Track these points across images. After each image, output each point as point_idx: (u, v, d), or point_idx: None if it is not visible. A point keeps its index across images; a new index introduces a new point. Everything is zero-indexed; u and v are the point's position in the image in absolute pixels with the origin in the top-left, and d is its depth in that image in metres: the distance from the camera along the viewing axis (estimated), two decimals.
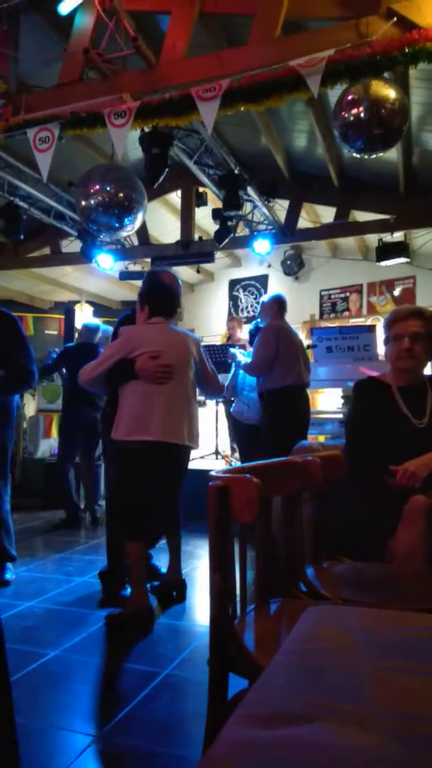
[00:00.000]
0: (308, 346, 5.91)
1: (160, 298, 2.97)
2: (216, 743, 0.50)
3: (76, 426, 5.30)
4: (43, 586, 3.34)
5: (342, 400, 5.72)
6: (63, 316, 7.86)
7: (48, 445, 7.29)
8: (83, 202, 4.08)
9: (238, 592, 1.35)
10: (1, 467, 3.46)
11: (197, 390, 3.06)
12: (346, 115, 2.99)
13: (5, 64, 3.77)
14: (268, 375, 4.16)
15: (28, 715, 1.85)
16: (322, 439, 5.18)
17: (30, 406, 7.51)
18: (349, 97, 3.00)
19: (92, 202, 4.00)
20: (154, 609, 2.85)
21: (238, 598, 1.35)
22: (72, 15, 3.57)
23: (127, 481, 2.85)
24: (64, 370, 5.53)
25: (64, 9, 3.50)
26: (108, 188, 3.97)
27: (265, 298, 4.65)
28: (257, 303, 8.40)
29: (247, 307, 8.47)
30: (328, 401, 6.90)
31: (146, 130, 3.84)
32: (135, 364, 2.76)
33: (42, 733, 1.78)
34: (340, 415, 5.47)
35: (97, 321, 5.83)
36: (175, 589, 3.07)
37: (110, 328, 5.55)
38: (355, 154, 3.18)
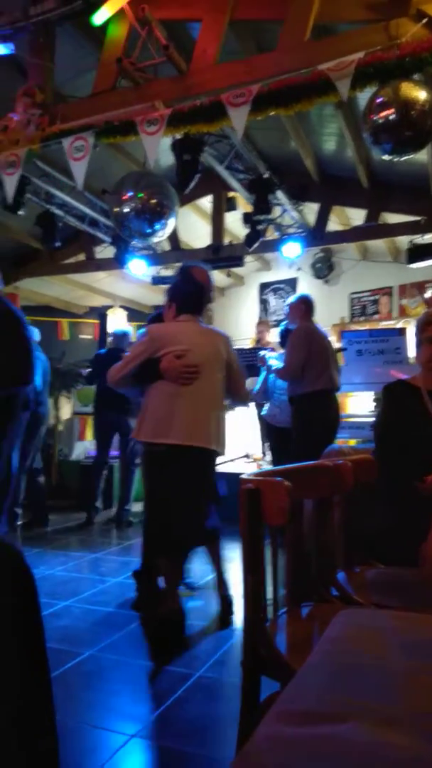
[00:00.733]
0: (338, 350, 5.87)
1: (188, 294, 2.82)
2: (251, 740, 0.51)
3: (103, 429, 5.45)
4: (78, 586, 3.40)
5: (373, 404, 5.66)
6: (97, 321, 7.99)
7: (83, 447, 7.42)
8: (116, 209, 4.15)
9: (269, 595, 1.36)
10: None
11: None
12: (376, 118, 2.97)
13: (41, 75, 3.87)
14: (300, 379, 4.15)
15: (63, 713, 1.89)
16: (352, 442, 5.13)
17: (66, 408, 7.64)
18: (379, 100, 2.98)
19: (125, 208, 4.07)
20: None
21: (270, 601, 1.36)
22: (105, 25, 3.64)
23: (153, 485, 2.75)
24: None
25: (98, 20, 3.57)
26: (140, 195, 4.04)
27: (292, 299, 4.62)
28: (287, 306, 8.40)
29: (276, 311, 8.45)
30: (358, 405, 6.84)
31: (177, 136, 3.89)
32: (160, 363, 2.64)
33: (77, 731, 1.82)
34: (371, 419, 5.42)
35: (126, 327, 5.99)
36: (221, 609, 2.89)
37: (129, 331, 5.71)
38: (385, 157, 3.16)
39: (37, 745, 0.56)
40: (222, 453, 2.76)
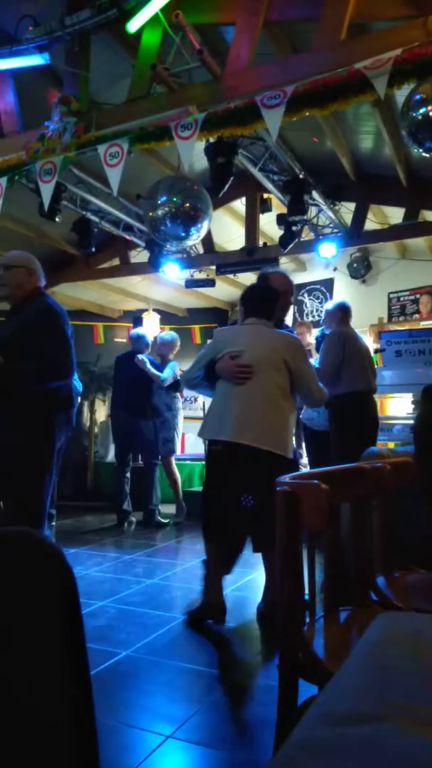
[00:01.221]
0: (376, 350, 5.79)
1: (253, 299, 2.95)
2: (288, 742, 0.51)
3: (121, 431, 5.51)
4: (114, 586, 3.44)
5: (412, 406, 5.56)
6: (131, 325, 8.08)
7: None
8: (151, 214, 4.20)
9: (307, 598, 1.34)
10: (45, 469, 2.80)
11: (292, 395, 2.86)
12: (415, 115, 2.92)
13: (77, 83, 3.93)
14: (336, 382, 4.11)
15: (100, 712, 1.90)
16: (392, 445, 5.05)
17: (101, 411, 7.75)
18: (417, 97, 2.93)
19: (159, 213, 4.11)
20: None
21: (307, 605, 1.34)
22: (139, 32, 3.68)
23: (208, 480, 2.94)
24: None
25: (132, 27, 3.61)
26: (174, 199, 4.07)
27: (329, 305, 4.60)
28: (322, 307, 8.32)
29: (312, 312, 8.38)
30: (398, 406, 6.72)
31: (211, 140, 3.90)
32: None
33: (114, 730, 1.84)
34: (411, 421, 5.31)
35: (142, 330, 6.06)
36: (264, 611, 2.90)
37: (145, 335, 5.77)
38: (424, 154, 3.10)
39: (79, 741, 0.57)
40: (281, 452, 2.72)
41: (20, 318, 2.79)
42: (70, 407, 2.84)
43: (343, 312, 4.42)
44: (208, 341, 2.90)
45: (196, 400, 7.77)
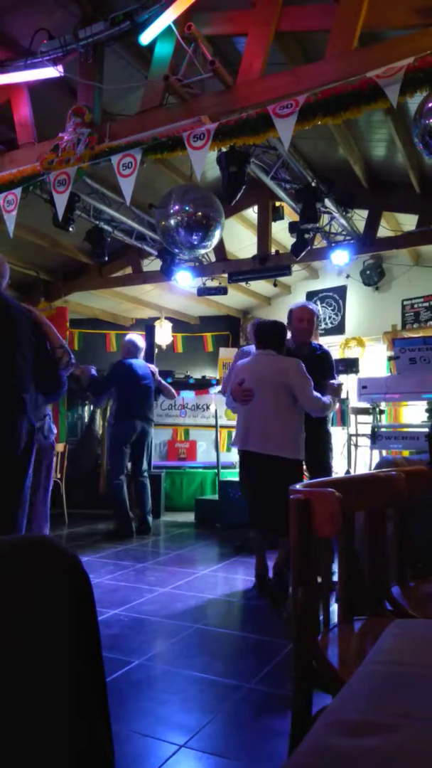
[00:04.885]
0: (390, 358, 5.75)
1: (258, 333, 3.62)
2: (299, 751, 0.50)
3: (126, 439, 5.44)
4: (127, 594, 3.43)
5: (427, 414, 5.51)
6: (144, 333, 8.12)
7: None
8: (163, 223, 4.22)
9: (321, 607, 1.34)
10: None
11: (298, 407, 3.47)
12: (427, 123, 2.92)
13: (90, 95, 3.98)
14: None
15: (113, 720, 1.89)
16: (406, 453, 5.01)
17: None
18: (430, 104, 2.93)
19: (172, 222, 4.13)
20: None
21: (321, 614, 1.33)
22: (152, 44, 3.72)
23: (240, 482, 3.76)
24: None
25: (145, 39, 3.65)
26: (186, 208, 4.09)
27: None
28: (335, 314, 8.30)
29: (325, 319, 8.37)
30: (412, 414, 6.67)
31: (224, 149, 3.92)
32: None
33: (127, 739, 1.83)
34: (425, 429, 5.27)
35: (134, 336, 5.95)
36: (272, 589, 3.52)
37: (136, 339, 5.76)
38: None
39: (95, 749, 0.57)
40: (290, 456, 3.35)
41: None
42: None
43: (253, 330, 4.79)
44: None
45: (207, 408, 7.78)
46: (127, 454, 5.41)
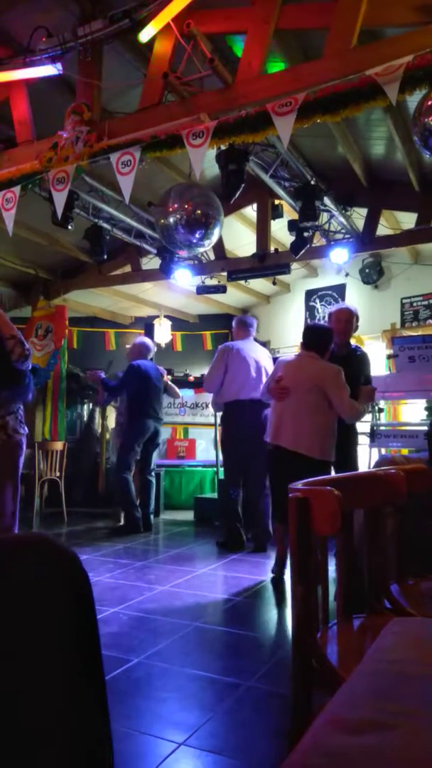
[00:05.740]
0: (389, 356, 5.76)
1: (305, 335, 3.79)
2: (298, 749, 0.50)
3: (139, 437, 5.59)
4: (126, 593, 3.44)
5: (426, 412, 5.52)
6: (143, 331, 8.12)
7: None
8: (162, 221, 4.21)
9: (320, 605, 1.34)
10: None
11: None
12: (426, 121, 2.92)
13: (89, 92, 3.97)
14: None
15: (113, 718, 1.90)
16: (405, 451, 5.01)
17: (112, 418, 7.78)
18: (429, 103, 2.92)
19: (171, 220, 4.13)
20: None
21: (320, 612, 1.33)
22: (151, 42, 3.71)
23: (269, 474, 4.01)
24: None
25: (144, 37, 3.64)
26: (186, 206, 4.08)
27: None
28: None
29: (324, 318, 8.36)
30: (411, 413, 6.67)
31: (223, 147, 3.91)
32: None
33: (126, 736, 1.84)
34: (424, 427, 5.27)
35: (143, 338, 6.14)
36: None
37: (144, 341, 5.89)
38: None
39: (95, 747, 0.57)
40: (316, 456, 3.47)
41: None
42: None
43: (239, 326, 4.93)
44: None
45: (207, 406, 7.79)
46: (138, 453, 5.53)
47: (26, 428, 3.16)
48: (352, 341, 4.24)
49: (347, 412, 3.52)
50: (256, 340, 5.12)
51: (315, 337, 3.72)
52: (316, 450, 3.48)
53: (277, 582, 3.67)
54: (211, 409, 7.15)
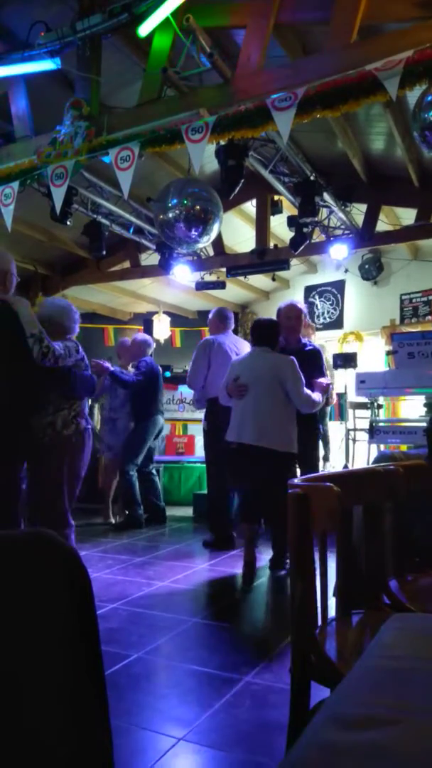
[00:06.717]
0: (388, 352, 5.76)
1: (254, 331, 3.85)
2: (297, 745, 0.50)
3: (151, 435, 5.64)
4: (125, 588, 3.44)
5: (425, 408, 5.52)
6: (141, 327, 8.11)
7: None
8: (161, 217, 4.20)
9: (319, 601, 1.34)
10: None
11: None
12: (426, 116, 2.91)
13: (88, 87, 3.95)
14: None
15: (112, 713, 1.90)
16: (404, 448, 5.02)
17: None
18: (429, 98, 2.91)
19: (170, 215, 4.11)
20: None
21: (319, 608, 1.34)
22: (150, 36, 3.69)
23: (228, 471, 3.92)
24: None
25: (143, 31, 3.62)
26: (185, 202, 4.07)
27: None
28: (333, 309, 8.29)
29: (323, 314, 8.36)
30: (410, 409, 6.68)
31: (222, 143, 3.90)
32: None
33: (126, 732, 1.84)
34: (424, 423, 5.27)
35: (143, 334, 6.06)
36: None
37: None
38: None
39: (94, 742, 0.57)
40: (280, 449, 3.50)
41: None
42: None
43: (218, 319, 4.85)
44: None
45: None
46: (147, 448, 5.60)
47: (87, 422, 2.99)
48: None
49: (302, 402, 3.58)
50: (235, 332, 5.15)
51: (266, 331, 3.79)
52: (280, 442, 3.52)
53: (249, 593, 3.44)
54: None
